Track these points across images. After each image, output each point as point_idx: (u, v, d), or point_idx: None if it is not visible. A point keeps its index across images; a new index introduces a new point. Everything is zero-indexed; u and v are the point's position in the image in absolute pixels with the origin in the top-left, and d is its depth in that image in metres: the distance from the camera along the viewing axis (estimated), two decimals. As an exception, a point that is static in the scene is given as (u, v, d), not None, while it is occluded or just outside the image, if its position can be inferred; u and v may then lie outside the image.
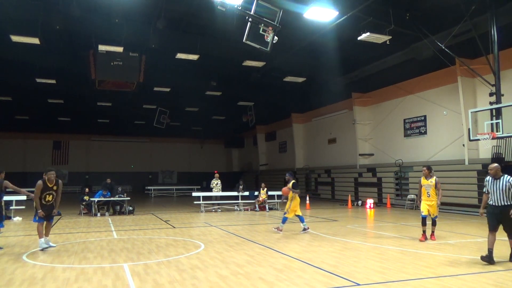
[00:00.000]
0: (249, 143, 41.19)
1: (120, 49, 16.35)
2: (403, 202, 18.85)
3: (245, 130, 38.88)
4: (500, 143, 15.29)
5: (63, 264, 6.91)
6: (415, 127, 19.62)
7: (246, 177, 36.02)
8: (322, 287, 5.40)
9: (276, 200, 18.44)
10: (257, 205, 17.77)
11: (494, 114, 13.26)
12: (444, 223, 12.95)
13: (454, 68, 16.06)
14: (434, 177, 9.17)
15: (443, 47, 14.67)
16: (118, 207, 16.30)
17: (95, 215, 15.41)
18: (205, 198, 18.19)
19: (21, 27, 14.54)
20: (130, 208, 16.39)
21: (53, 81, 21.18)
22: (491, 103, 13.83)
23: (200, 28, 16.39)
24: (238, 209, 18.29)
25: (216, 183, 19.55)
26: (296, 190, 10.92)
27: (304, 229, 10.76)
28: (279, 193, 19.23)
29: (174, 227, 12.19)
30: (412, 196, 18.23)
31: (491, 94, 14.10)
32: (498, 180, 6.81)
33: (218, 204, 18.37)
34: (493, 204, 6.83)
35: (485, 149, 15.25)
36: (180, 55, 17.18)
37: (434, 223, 9.32)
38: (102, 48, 16.39)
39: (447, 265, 6.70)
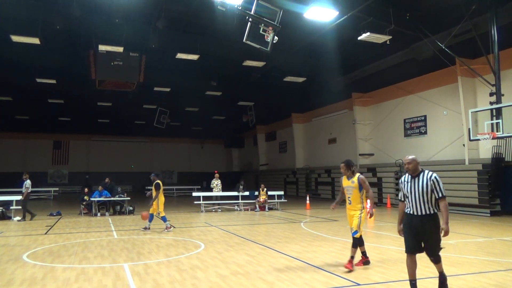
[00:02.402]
0: (249, 143, 41.19)
1: (120, 49, 16.35)
2: (403, 202, 18.81)
3: (245, 130, 38.89)
4: (500, 143, 15.30)
5: (63, 264, 6.91)
6: (415, 127, 19.62)
7: (246, 177, 35.99)
8: (322, 287, 5.40)
9: (276, 200, 18.45)
10: (257, 205, 17.77)
11: (494, 114, 13.26)
12: (444, 223, 12.95)
13: (454, 68, 16.06)
14: (357, 175, 6.65)
15: (443, 47, 14.67)
16: (118, 207, 16.31)
17: (95, 215, 15.42)
18: (205, 198, 18.19)
19: (21, 27, 14.54)
20: (130, 208, 16.39)
21: (53, 81, 21.19)
22: (491, 103, 13.82)
23: (200, 28, 16.39)
24: (238, 209, 18.29)
25: (216, 183, 19.55)
26: (158, 191, 11.31)
27: (167, 228, 11.17)
28: (279, 193, 19.37)
29: (174, 227, 12.19)
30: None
31: (491, 94, 14.09)
32: (417, 179, 4.83)
33: (218, 204, 18.37)
34: (411, 212, 4.83)
35: (485, 149, 15.25)
36: (180, 55, 17.19)
37: (354, 243, 6.54)
38: (102, 48, 16.40)
39: (447, 265, 6.69)
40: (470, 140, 14.45)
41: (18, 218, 14.15)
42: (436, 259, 4.97)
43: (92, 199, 15.76)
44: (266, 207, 17.92)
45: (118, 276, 5.99)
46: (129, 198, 16.53)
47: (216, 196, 19.20)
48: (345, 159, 6.93)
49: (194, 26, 16.22)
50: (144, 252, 7.98)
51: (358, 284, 5.51)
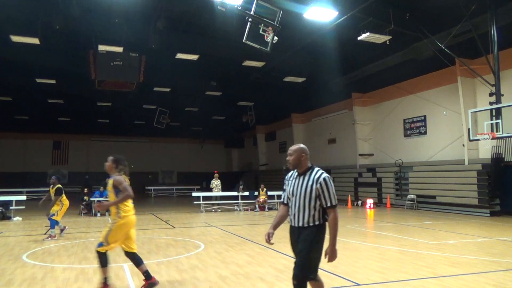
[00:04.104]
0: (249, 143, 41.18)
1: (120, 49, 16.36)
2: (403, 202, 18.85)
3: (245, 130, 38.87)
4: (500, 143, 15.31)
5: (63, 264, 6.91)
6: (415, 127, 19.63)
7: (246, 177, 36.00)
8: (322, 287, 5.40)
9: (275, 200, 18.45)
10: (257, 205, 17.78)
11: (494, 114, 13.27)
12: (444, 223, 12.96)
13: (454, 68, 16.07)
14: (113, 178, 5.15)
15: (443, 47, 14.67)
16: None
17: (95, 215, 15.42)
18: (205, 198, 18.19)
19: (21, 27, 14.53)
20: (130, 208, 16.36)
21: (53, 81, 21.18)
22: (491, 103, 13.83)
23: (200, 28, 16.39)
24: (238, 209, 18.30)
25: (216, 183, 19.55)
26: (60, 196, 9.84)
27: (50, 236, 9.73)
28: (279, 193, 19.37)
29: (174, 227, 12.19)
30: (412, 196, 18.24)
31: (491, 94, 14.10)
32: (302, 178, 3.68)
33: (218, 204, 18.37)
34: (291, 223, 3.75)
35: (485, 149, 15.26)
36: (180, 55, 17.19)
37: (133, 259, 5.43)
38: (102, 48, 16.40)
39: (447, 265, 6.70)
40: (469, 140, 14.46)
41: (18, 218, 14.16)
42: (299, 285, 3.61)
43: (92, 199, 15.76)
44: (266, 207, 17.93)
45: (118, 276, 5.99)
46: (129, 198, 16.49)
47: (216, 196, 19.20)
48: (114, 155, 5.37)
49: (194, 26, 16.21)
50: (144, 252, 7.97)
51: (358, 284, 5.52)
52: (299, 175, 3.73)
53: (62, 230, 10.22)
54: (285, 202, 3.86)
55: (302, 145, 3.80)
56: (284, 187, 3.88)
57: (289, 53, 17.82)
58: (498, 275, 6.04)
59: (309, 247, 3.54)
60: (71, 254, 7.83)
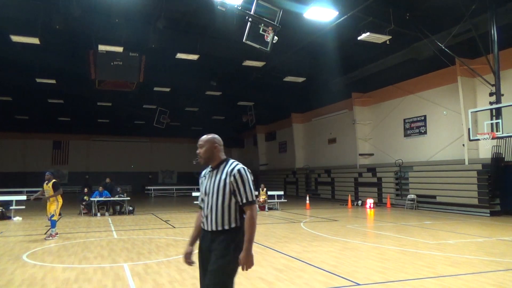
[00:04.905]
0: (249, 143, 41.19)
1: (120, 49, 16.35)
2: (403, 202, 18.85)
3: (245, 130, 38.87)
4: (500, 143, 15.31)
5: (63, 264, 6.91)
6: (415, 127, 19.63)
7: (246, 177, 35.96)
8: (322, 287, 5.40)
9: (275, 200, 18.45)
10: (257, 205, 17.77)
11: (494, 114, 13.26)
12: (444, 223, 12.96)
13: (454, 68, 16.07)
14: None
15: (443, 47, 14.67)
16: (118, 207, 16.31)
17: (95, 215, 15.42)
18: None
19: (21, 27, 14.53)
20: (130, 208, 16.39)
21: (53, 81, 21.18)
22: (491, 103, 13.83)
23: (200, 28, 16.38)
24: (238, 209, 18.28)
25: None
26: (58, 192, 9.70)
27: (51, 235, 9.63)
28: (279, 193, 19.38)
29: (174, 227, 12.20)
30: (412, 196, 18.24)
31: (491, 94, 14.10)
32: (215, 172, 3.11)
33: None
34: (203, 226, 3.16)
35: (485, 149, 15.27)
36: (180, 55, 17.19)
37: None
38: (102, 48, 16.39)
39: (447, 265, 6.70)
40: (470, 140, 14.46)
41: (18, 218, 14.16)
42: None
43: (92, 199, 15.77)
44: (266, 207, 17.92)
45: (118, 276, 5.99)
46: (129, 198, 16.53)
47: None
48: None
49: (194, 26, 16.21)
50: (144, 252, 7.97)
51: (358, 284, 5.52)
52: (212, 170, 3.14)
53: (51, 236, 9.76)
54: (202, 205, 3.18)
55: (214, 135, 3.25)
56: (201, 188, 3.22)
57: (289, 53, 17.83)
58: (498, 275, 6.04)
59: (224, 260, 2.90)
60: (71, 254, 7.83)
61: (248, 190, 2.99)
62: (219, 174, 3.05)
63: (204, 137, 3.22)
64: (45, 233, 10.21)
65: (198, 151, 3.17)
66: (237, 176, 2.98)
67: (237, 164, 3.07)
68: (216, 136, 3.24)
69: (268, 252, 7.93)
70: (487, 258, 7.31)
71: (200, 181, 3.23)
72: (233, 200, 3.00)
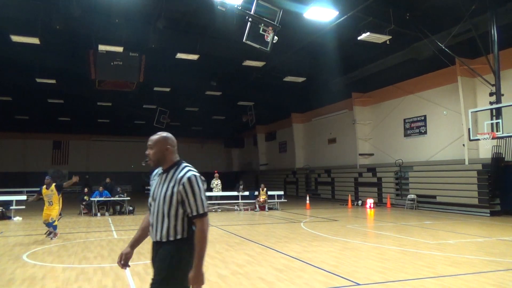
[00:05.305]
0: (249, 143, 41.19)
1: (120, 49, 16.35)
2: (403, 202, 18.85)
3: (245, 130, 38.87)
4: (500, 143, 15.31)
5: (63, 264, 6.91)
6: (415, 127, 19.63)
7: (246, 177, 36.00)
8: (322, 287, 5.40)
9: (276, 200, 18.45)
10: (257, 205, 17.78)
11: (494, 114, 13.25)
12: (444, 223, 12.97)
13: (454, 68, 16.07)
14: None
15: (443, 47, 14.67)
16: (118, 207, 16.32)
17: (95, 215, 15.42)
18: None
19: (21, 27, 14.52)
20: (130, 208, 16.39)
21: (53, 81, 21.18)
22: (491, 103, 13.82)
23: (200, 28, 16.38)
24: (238, 209, 18.30)
25: (216, 183, 19.55)
26: (61, 192, 9.88)
27: (50, 233, 9.74)
28: (279, 193, 19.38)
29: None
30: (412, 196, 18.24)
31: (491, 94, 14.09)
32: (165, 176, 2.79)
33: (218, 204, 18.38)
34: (151, 235, 2.86)
35: (485, 149, 15.27)
36: (180, 55, 17.19)
37: None
38: (102, 48, 16.39)
39: (447, 265, 6.70)
40: (470, 140, 14.46)
41: (18, 218, 14.16)
42: None
43: (92, 199, 15.77)
44: (266, 207, 17.92)
45: (118, 276, 5.99)
46: (129, 198, 16.53)
47: (216, 196, 19.21)
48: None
49: (194, 26, 16.21)
50: (144, 252, 7.96)
51: (358, 284, 5.52)
52: (163, 172, 2.82)
53: (51, 233, 9.81)
54: (150, 209, 2.86)
55: (166, 134, 2.92)
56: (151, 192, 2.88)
57: (289, 53, 17.82)
58: (498, 275, 6.04)
59: (169, 276, 2.61)
60: (71, 254, 7.83)
61: (198, 201, 2.65)
62: (168, 181, 2.73)
63: (155, 137, 2.87)
64: (45, 233, 10.21)
65: (147, 152, 2.85)
66: (187, 185, 2.64)
67: (189, 170, 2.72)
68: (169, 136, 2.92)
69: (268, 252, 7.94)
70: (487, 258, 7.31)
71: (151, 181, 2.91)
72: (180, 210, 2.67)
